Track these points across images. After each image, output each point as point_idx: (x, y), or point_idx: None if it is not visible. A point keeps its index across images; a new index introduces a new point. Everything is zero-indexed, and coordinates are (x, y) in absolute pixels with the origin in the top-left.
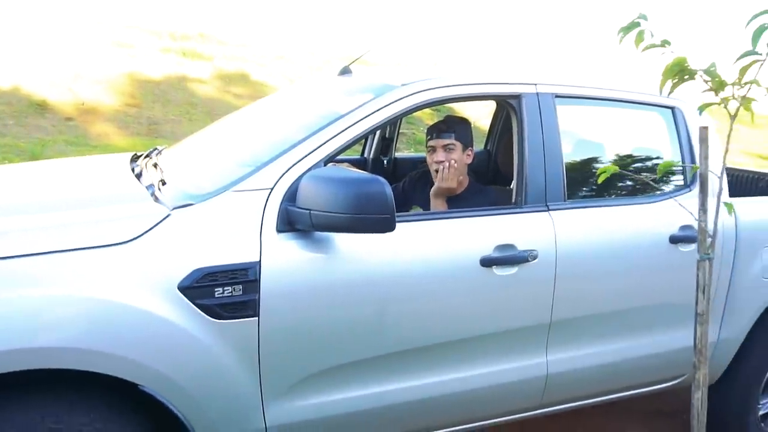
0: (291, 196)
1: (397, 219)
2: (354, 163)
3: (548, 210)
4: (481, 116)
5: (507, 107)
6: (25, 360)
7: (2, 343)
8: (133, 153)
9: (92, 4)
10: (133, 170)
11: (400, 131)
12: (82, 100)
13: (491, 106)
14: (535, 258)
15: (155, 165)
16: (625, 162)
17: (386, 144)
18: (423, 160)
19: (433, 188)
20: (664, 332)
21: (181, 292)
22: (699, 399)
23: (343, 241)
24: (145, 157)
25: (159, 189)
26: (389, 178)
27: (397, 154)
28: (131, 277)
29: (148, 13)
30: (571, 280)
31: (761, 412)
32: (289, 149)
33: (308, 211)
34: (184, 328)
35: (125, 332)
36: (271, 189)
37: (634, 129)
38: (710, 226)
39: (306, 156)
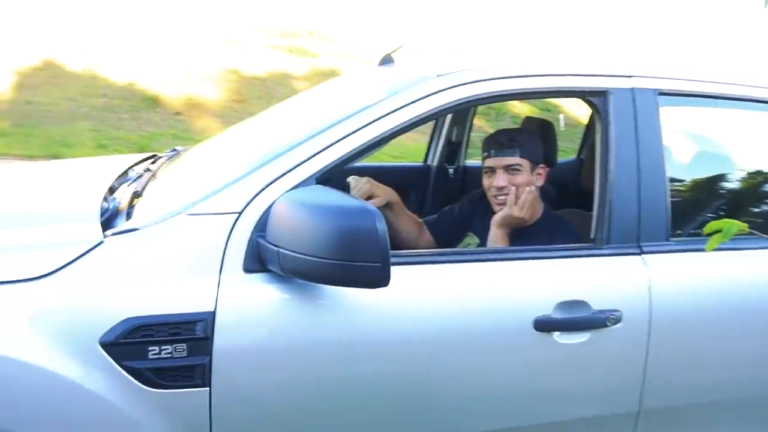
0: (265, 224)
1: (417, 259)
2: (412, 171)
3: (641, 252)
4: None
5: (591, 109)
6: None
7: None
8: (153, 153)
9: (208, 2)
10: (125, 173)
11: (472, 133)
12: (190, 95)
13: None
14: (617, 321)
15: (148, 170)
16: (763, 186)
17: (453, 149)
18: None
19: (497, 215)
20: None
21: (104, 348)
22: None
23: (336, 288)
24: (153, 161)
25: (122, 205)
26: (456, 191)
27: (468, 162)
28: (38, 325)
29: (260, 11)
30: (672, 354)
31: None
32: (268, 161)
33: (276, 249)
34: (105, 398)
35: (22, 401)
36: (239, 213)
37: None
38: None
39: (291, 170)
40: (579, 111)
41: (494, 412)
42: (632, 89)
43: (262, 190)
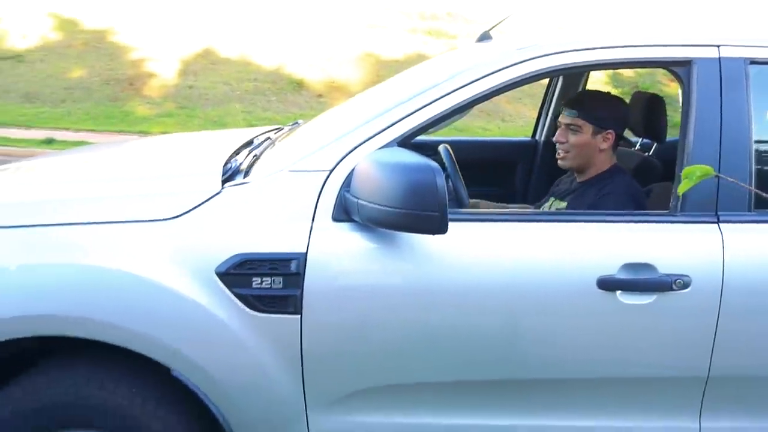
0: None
1: (481, 217)
2: (520, 145)
3: (718, 221)
4: None
5: (676, 80)
6: (57, 326)
7: (37, 308)
8: (278, 126)
9: None
10: (251, 141)
11: None
12: (332, 78)
13: None
14: (684, 286)
15: (269, 138)
16: None
17: None
18: None
19: None
20: None
21: (219, 277)
22: None
23: (412, 238)
24: (276, 131)
25: (243, 165)
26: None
27: None
28: (169, 256)
29: None
30: (744, 326)
31: None
32: (356, 128)
33: (356, 200)
34: (218, 316)
35: (156, 312)
36: (331, 171)
37: None
38: None
39: (375, 134)
40: None
41: (558, 363)
42: (719, 59)
43: (351, 151)
